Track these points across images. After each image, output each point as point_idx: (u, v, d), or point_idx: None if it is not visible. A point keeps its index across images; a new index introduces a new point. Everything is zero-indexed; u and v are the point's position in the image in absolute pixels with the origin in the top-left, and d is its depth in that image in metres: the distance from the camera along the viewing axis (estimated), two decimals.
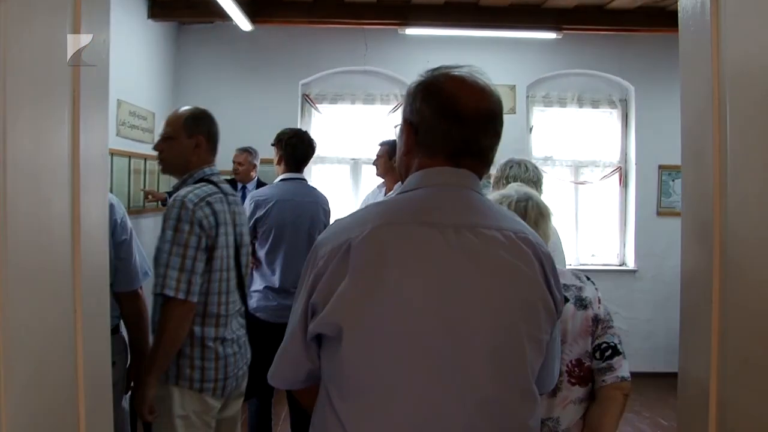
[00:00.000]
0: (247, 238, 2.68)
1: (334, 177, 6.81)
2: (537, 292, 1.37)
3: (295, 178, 3.89)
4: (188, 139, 2.56)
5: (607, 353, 2.13)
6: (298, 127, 6.50)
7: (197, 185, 2.46)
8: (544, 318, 1.38)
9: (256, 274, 3.84)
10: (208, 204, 2.39)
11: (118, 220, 2.68)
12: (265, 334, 3.82)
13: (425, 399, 1.30)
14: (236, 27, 5.98)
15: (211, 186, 2.48)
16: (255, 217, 3.75)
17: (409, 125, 1.47)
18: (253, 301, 3.79)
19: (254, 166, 5.81)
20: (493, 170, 4.19)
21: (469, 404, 1.31)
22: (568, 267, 3.17)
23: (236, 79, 6.62)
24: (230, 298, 2.51)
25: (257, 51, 6.62)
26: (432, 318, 1.31)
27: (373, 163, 5.23)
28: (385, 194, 5.09)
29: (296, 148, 3.85)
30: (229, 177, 6.05)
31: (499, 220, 1.39)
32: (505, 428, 1.35)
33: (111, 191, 5.04)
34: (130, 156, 5.42)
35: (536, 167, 3.43)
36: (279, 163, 3.91)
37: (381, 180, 5.29)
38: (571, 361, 2.13)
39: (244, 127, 6.05)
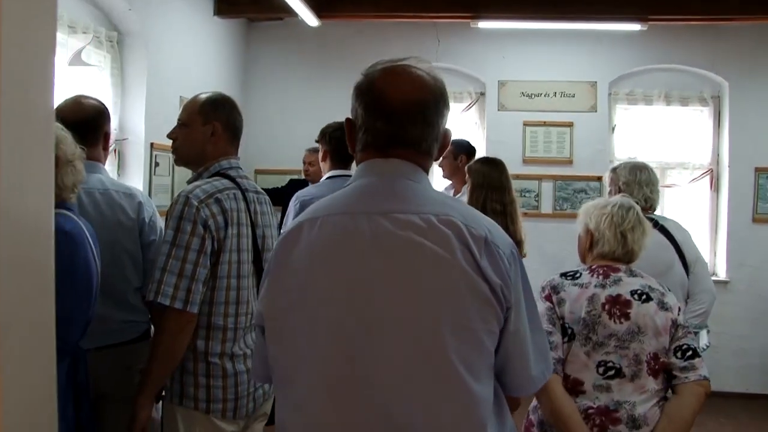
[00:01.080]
0: (272, 242, 2.42)
1: None
2: (458, 276, 1.31)
3: (343, 175, 3.63)
4: (203, 126, 2.34)
5: (689, 353, 2.30)
6: None
7: (209, 180, 2.26)
8: (474, 305, 1.31)
9: None
10: (217, 201, 2.16)
11: (146, 219, 2.54)
12: None
13: (338, 390, 1.31)
14: (304, 23, 5.85)
15: (225, 181, 2.27)
16: None
17: (348, 123, 1.56)
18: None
19: None
20: (605, 174, 3.93)
21: (383, 396, 1.29)
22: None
23: (305, 77, 6.50)
24: (242, 309, 2.25)
25: (325, 48, 6.48)
26: (339, 307, 1.32)
27: (439, 165, 4.99)
28: (454, 195, 4.84)
29: (341, 142, 3.59)
30: (297, 177, 5.98)
31: (423, 205, 1.37)
32: (428, 422, 1.29)
33: (173, 189, 5.01)
34: None
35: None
36: (324, 159, 3.67)
37: (449, 182, 5.04)
38: (649, 353, 2.28)
39: (314, 126, 5.87)
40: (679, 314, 2.35)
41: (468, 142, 5.08)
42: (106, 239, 2.41)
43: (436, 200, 1.42)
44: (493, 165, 3.95)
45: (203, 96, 2.41)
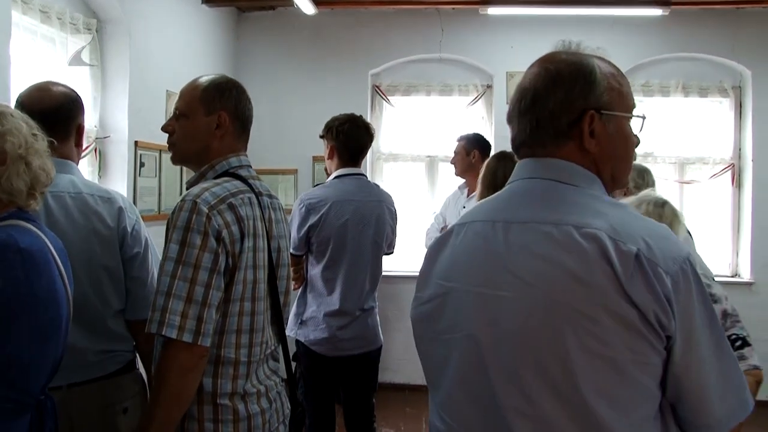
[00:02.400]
0: (287, 255, 2.03)
1: (408, 176, 6.22)
2: (595, 299, 1.15)
3: (353, 174, 3.25)
4: (207, 117, 1.92)
5: (738, 344, 2.31)
6: (369, 121, 5.94)
7: (218, 180, 1.84)
8: (616, 332, 1.14)
9: (309, 297, 3.21)
10: (231, 207, 1.76)
11: (129, 229, 2.12)
12: (324, 373, 3.24)
13: (471, 399, 1.28)
14: (299, 13, 5.47)
15: (237, 182, 1.85)
16: (308, 224, 3.12)
17: None
18: (308, 332, 3.18)
19: None
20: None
21: (506, 417, 1.21)
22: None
23: (300, 70, 6.10)
24: (256, 338, 1.84)
25: (322, 39, 6.08)
26: (472, 321, 1.29)
27: (451, 162, 4.61)
28: (468, 195, 4.46)
29: (350, 136, 3.21)
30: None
31: (566, 214, 1.23)
32: None
33: (160, 192, 4.59)
34: None
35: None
36: (331, 157, 3.27)
37: (462, 180, 4.65)
38: None
39: (310, 123, 5.47)
40: (726, 303, 2.35)
41: (482, 137, 4.70)
42: (79, 253, 2.00)
43: (585, 207, 1.24)
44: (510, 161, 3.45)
45: (205, 79, 1.99)
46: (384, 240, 3.24)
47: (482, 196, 3.11)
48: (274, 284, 1.91)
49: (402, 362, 5.70)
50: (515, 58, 5.94)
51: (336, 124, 3.19)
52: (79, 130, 2.20)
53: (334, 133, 3.19)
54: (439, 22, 5.91)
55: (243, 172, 1.91)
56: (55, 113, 2.08)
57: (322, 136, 3.27)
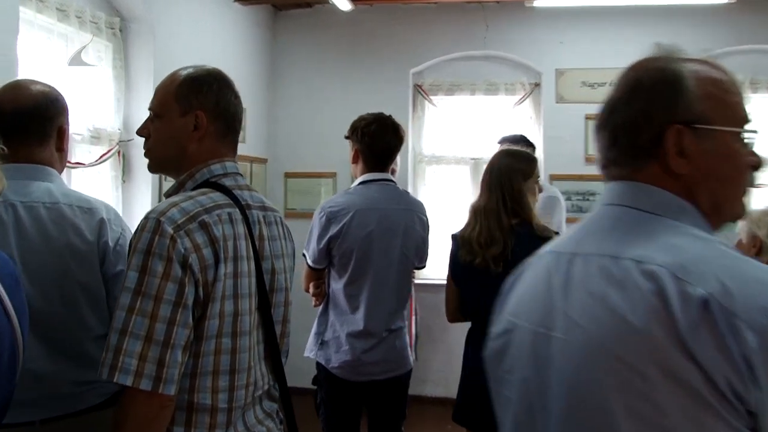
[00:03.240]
0: (287, 277, 1.74)
1: (451, 179, 5.90)
2: (645, 350, 0.93)
3: (379, 180, 2.94)
4: (182, 117, 1.64)
5: None
6: (410, 122, 5.68)
7: (192, 193, 1.56)
8: (669, 394, 0.90)
9: (331, 315, 2.92)
10: (203, 226, 1.47)
11: (111, 243, 1.88)
12: (348, 399, 2.96)
13: None
14: (336, 10, 5.23)
15: (216, 195, 1.57)
16: (329, 235, 2.83)
17: None
18: (329, 353, 2.88)
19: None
20: None
21: None
22: None
23: (339, 69, 5.86)
24: (239, 380, 1.54)
25: (361, 37, 5.84)
26: (528, 363, 1.16)
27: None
28: None
29: (376, 138, 2.90)
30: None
31: (631, 245, 1.03)
32: None
33: None
34: None
35: None
36: (356, 161, 2.97)
37: None
38: None
39: (348, 125, 5.24)
40: None
41: (526, 138, 4.37)
42: (51, 269, 1.78)
43: (657, 239, 1.02)
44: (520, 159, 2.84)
45: (182, 73, 1.71)
46: (413, 252, 2.94)
47: (478, 202, 2.77)
48: (268, 313, 1.63)
49: (443, 375, 5.41)
50: (565, 54, 5.61)
51: (361, 125, 2.92)
52: (61, 134, 1.98)
53: (359, 134, 2.91)
54: (484, 16, 5.60)
55: (227, 182, 1.63)
56: (30, 114, 1.86)
57: (347, 137, 3.00)
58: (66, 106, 1.99)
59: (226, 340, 1.50)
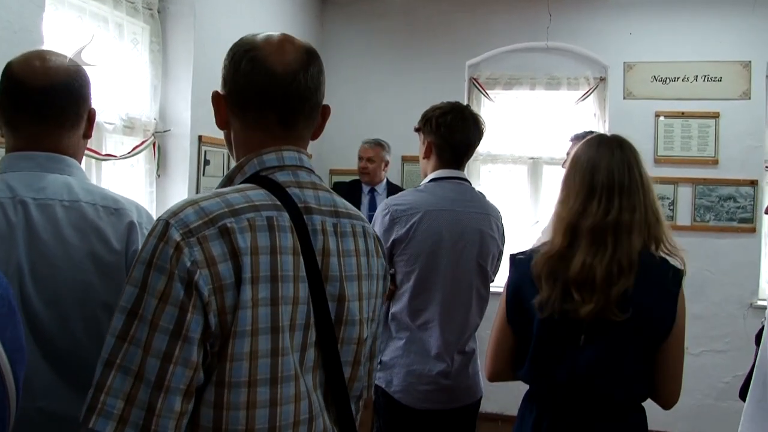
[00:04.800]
0: (361, 307, 1.30)
1: (508, 180, 5.53)
2: None
3: (454, 178, 2.55)
4: (222, 93, 1.31)
5: None
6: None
7: (225, 189, 1.20)
8: None
9: (393, 329, 2.52)
10: (223, 233, 1.11)
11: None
12: (410, 429, 2.53)
13: None
14: None
15: (259, 192, 1.20)
16: (392, 237, 2.45)
17: None
18: (390, 376, 2.49)
19: (387, 163, 4.79)
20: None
21: None
22: None
23: (390, 60, 5.51)
24: None
25: (414, 26, 5.48)
26: None
27: (563, 165, 3.87)
28: None
29: (454, 130, 2.50)
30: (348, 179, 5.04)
31: None
32: None
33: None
34: None
35: None
36: (428, 155, 2.58)
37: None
38: None
39: (399, 119, 4.88)
40: None
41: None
42: (70, 285, 1.44)
43: None
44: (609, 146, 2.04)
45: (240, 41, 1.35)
46: (491, 260, 2.54)
47: (564, 205, 1.91)
48: (333, 350, 1.25)
49: (495, 389, 5.01)
50: (634, 45, 5.19)
51: (436, 114, 2.53)
52: (91, 117, 1.65)
53: (433, 125, 2.52)
54: (546, 5, 5.20)
55: (281, 176, 1.25)
56: (67, 91, 1.53)
57: (417, 129, 2.61)
58: (90, 84, 1.65)
59: (262, 390, 1.12)
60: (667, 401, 1.94)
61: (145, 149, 3.50)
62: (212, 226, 1.10)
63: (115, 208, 1.53)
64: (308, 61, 1.29)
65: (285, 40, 1.30)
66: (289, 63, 1.26)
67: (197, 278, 1.06)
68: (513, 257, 1.97)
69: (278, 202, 1.20)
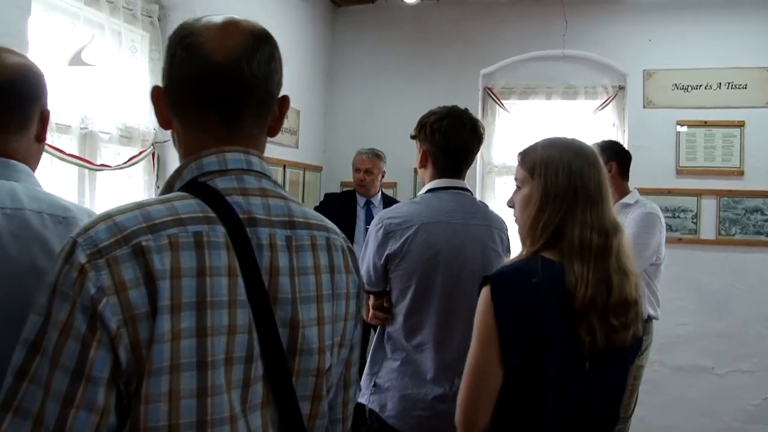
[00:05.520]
0: (321, 334, 1.12)
1: None
2: None
3: (452, 188, 2.38)
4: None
5: None
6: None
7: (149, 200, 1.04)
8: None
9: (388, 350, 2.35)
10: (137, 254, 0.94)
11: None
12: None
13: None
14: (401, 4, 4.81)
15: (189, 203, 1.03)
16: (386, 252, 2.28)
17: None
18: (384, 399, 2.31)
19: (383, 174, 4.70)
20: None
21: None
22: None
23: (401, 70, 5.39)
24: None
25: (426, 34, 5.37)
26: None
27: None
28: None
29: (450, 136, 2.33)
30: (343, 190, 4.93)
31: None
32: None
33: None
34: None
35: None
36: (424, 164, 2.41)
37: None
38: None
39: (411, 129, 4.73)
40: None
41: (621, 146, 3.80)
42: (11, 304, 1.30)
43: None
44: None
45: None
46: None
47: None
48: (285, 384, 1.07)
49: None
50: (654, 53, 5.04)
51: (431, 120, 2.38)
52: (44, 119, 1.53)
53: (427, 131, 2.37)
54: (563, 12, 5.04)
55: (222, 183, 1.08)
56: (10, 90, 1.40)
57: (413, 137, 2.47)
58: (46, 84, 1.53)
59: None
60: None
61: (142, 159, 3.40)
62: (125, 245, 0.94)
63: (63, 216, 1.40)
64: (254, 46, 1.11)
65: (229, 22, 1.12)
66: (231, 49, 1.09)
67: (102, 307, 0.90)
68: (503, 280, 1.64)
69: (212, 214, 1.02)
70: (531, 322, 1.56)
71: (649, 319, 3.45)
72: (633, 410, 3.50)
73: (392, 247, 2.27)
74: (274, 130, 1.21)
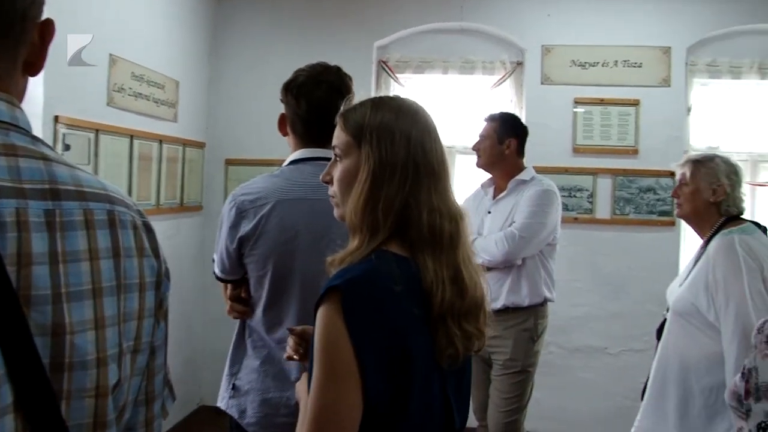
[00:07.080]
0: (101, 340, 0.83)
1: None
2: None
3: (315, 159, 2.04)
4: None
5: None
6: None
7: None
8: None
9: (249, 347, 2.05)
10: None
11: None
12: None
13: None
14: None
15: None
16: (239, 234, 1.97)
17: None
18: (244, 403, 2.02)
19: None
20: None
21: None
22: None
23: (291, 39, 5.04)
24: None
25: (318, 3, 5.04)
26: None
27: (474, 147, 3.48)
28: (494, 196, 3.40)
29: (303, 97, 2.08)
30: None
31: None
32: None
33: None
34: (131, 135, 3.90)
35: None
36: (284, 131, 2.15)
37: (487, 175, 3.53)
38: None
39: None
40: None
41: (520, 120, 3.64)
42: None
43: None
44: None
45: None
46: None
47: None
48: (49, 412, 0.77)
49: None
50: (553, 28, 4.92)
51: (297, 82, 2.12)
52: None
53: (284, 92, 2.13)
54: None
55: None
56: None
57: (282, 100, 2.19)
58: None
59: None
60: None
61: None
62: None
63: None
64: None
65: None
66: None
67: None
68: (356, 291, 1.26)
69: None
70: (398, 342, 1.23)
71: (545, 302, 3.30)
72: (528, 399, 3.36)
73: (245, 227, 1.95)
74: (34, 66, 0.91)
